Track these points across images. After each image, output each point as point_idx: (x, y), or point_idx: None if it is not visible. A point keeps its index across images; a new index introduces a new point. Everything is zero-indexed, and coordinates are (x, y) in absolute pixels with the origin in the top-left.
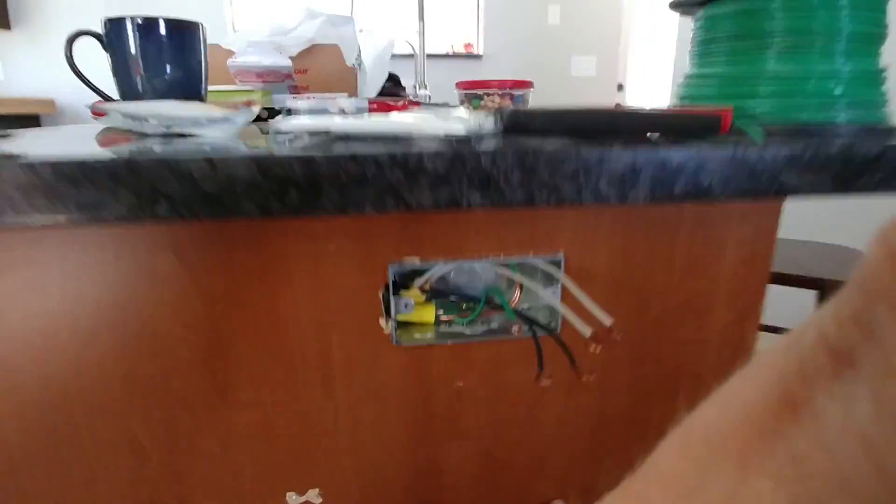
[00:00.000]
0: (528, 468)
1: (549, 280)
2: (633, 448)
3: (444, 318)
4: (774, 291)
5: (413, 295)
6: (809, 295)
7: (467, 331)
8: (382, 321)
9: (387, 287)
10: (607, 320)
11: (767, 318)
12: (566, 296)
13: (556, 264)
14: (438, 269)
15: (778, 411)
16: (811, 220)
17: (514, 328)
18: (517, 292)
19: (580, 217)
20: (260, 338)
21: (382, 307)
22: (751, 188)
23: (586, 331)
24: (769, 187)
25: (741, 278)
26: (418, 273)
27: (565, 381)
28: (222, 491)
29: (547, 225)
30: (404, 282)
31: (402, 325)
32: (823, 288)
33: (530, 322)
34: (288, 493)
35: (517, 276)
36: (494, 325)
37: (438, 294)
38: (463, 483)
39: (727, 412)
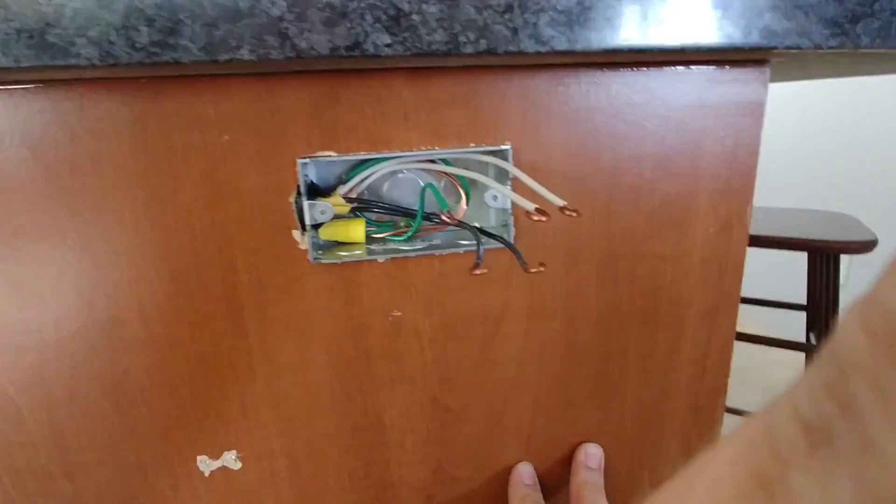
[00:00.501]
0: (484, 419)
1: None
2: (608, 395)
3: (376, 235)
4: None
5: (335, 203)
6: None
7: (404, 247)
8: (297, 234)
9: (298, 190)
10: (559, 202)
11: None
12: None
13: (503, 157)
14: (367, 172)
15: (750, 491)
16: (806, 189)
17: (462, 241)
18: (462, 203)
19: (529, 99)
20: (146, 259)
21: (296, 216)
22: (729, 35)
23: (530, 206)
24: (749, 33)
25: (724, 177)
26: (342, 181)
27: (524, 309)
28: (115, 456)
29: (489, 109)
30: (325, 191)
31: (327, 247)
32: (812, 249)
33: (475, 229)
34: (199, 458)
35: (455, 170)
36: (437, 241)
37: (368, 206)
38: (409, 439)
39: (695, 493)
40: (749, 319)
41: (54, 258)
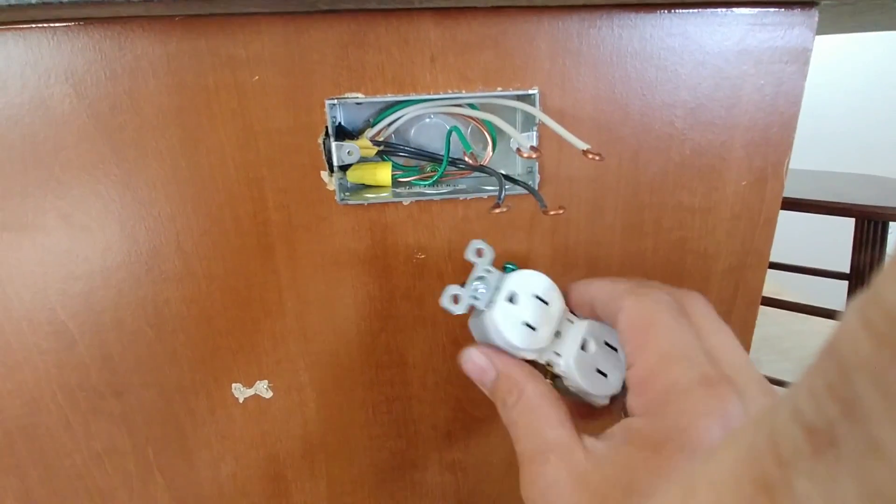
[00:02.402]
0: None
1: (524, 126)
2: None
3: (402, 179)
4: (812, 223)
5: (362, 146)
6: (845, 225)
7: (429, 191)
8: (325, 175)
9: (326, 132)
10: (582, 145)
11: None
12: (542, 136)
13: (530, 101)
14: (394, 116)
15: (752, 497)
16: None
17: (487, 187)
18: (489, 150)
19: (558, 42)
20: (182, 195)
21: (324, 158)
22: None
23: (583, 145)
24: None
25: (761, 127)
26: (370, 125)
27: (548, 256)
28: (160, 379)
29: (517, 53)
30: (353, 134)
31: (354, 189)
32: (860, 215)
33: (497, 173)
34: (234, 385)
35: (482, 115)
36: (462, 186)
37: (394, 150)
38: (430, 378)
39: (697, 499)
40: (787, 287)
41: (99, 192)
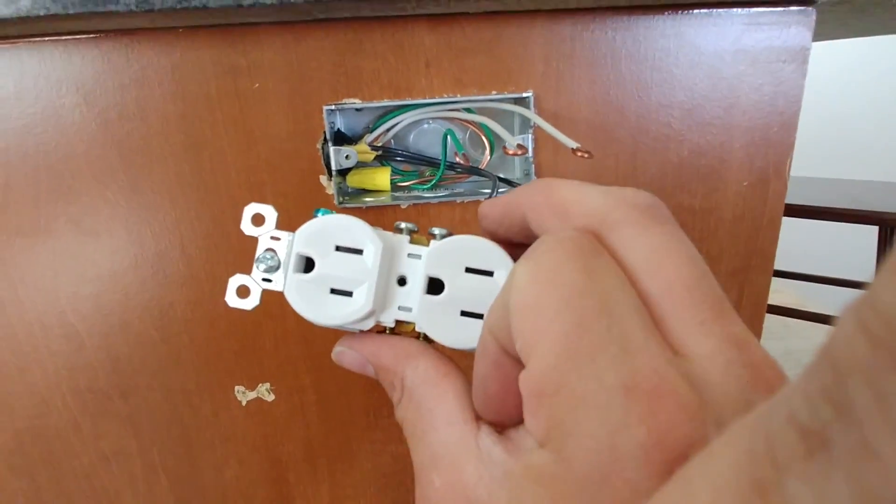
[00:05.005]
0: None
1: (521, 130)
2: None
3: (401, 184)
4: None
5: (361, 150)
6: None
7: (427, 194)
8: (324, 179)
9: (325, 137)
10: (572, 143)
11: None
12: (539, 139)
13: (525, 104)
14: (392, 121)
15: (749, 499)
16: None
17: (486, 190)
18: (486, 154)
19: (552, 45)
20: (186, 199)
21: (323, 163)
22: None
23: (572, 143)
24: None
25: (760, 128)
26: (369, 131)
27: None
28: (165, 381)
29: (512, 56)
30: (353, 139)
31: (353, 193)
32: (883, 223)
33: (492, 174)
34: (236, 387)
35: (478, 118)
36: (460, 189)
37: (392, 154)
38: None
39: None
40: (811, 298)
41: (107, 198)
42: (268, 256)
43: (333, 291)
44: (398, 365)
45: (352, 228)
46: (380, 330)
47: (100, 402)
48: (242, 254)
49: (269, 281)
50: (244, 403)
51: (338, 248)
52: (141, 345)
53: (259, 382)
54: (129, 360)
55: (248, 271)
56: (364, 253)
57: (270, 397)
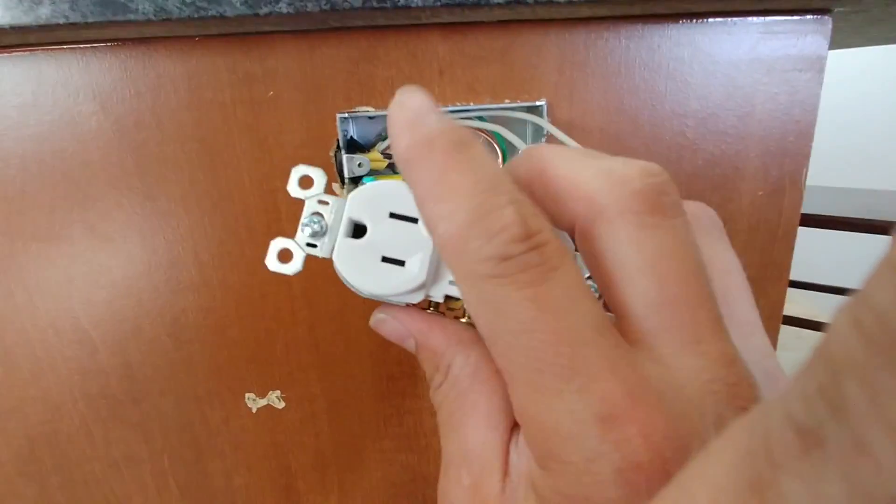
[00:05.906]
0: None
1: (533, 138)
2: None
3: None
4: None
5: (373, 158)
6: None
7: None
8: (336, 187)
9: (338, 145)
10: (575, 146)
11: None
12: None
13: (538, 113)
14: None
15: (746, 498)
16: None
17: None
18: (499, 162)
19: (565, 54)
20: (200, 207)
21: (336, 170)
22: None
23: (574, 144)
24: None
25: (776, 137)
26: (382, 138)
27: None
28: (176, 388)
29: (525, 65)
30: (366, 147)
31: None
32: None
33: None
34: (247, 395)
35: (491, 126)
36: None
37: None
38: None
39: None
40: (826, 309)
41: (122, 204)
42: (315, 220)
43: (385, 260)
44: (448, 350)
45: (408, 195)
46: (423, 307)
47: (111, 408)
48: (255, 261)
49: (314, 246)
50: (254, 411)
51: (392, 216)
52: (153, 351)
53: (269, 390)
54: (140, 366)
55: (262, 279)
56: (420, 222)
57: (281, 405)
